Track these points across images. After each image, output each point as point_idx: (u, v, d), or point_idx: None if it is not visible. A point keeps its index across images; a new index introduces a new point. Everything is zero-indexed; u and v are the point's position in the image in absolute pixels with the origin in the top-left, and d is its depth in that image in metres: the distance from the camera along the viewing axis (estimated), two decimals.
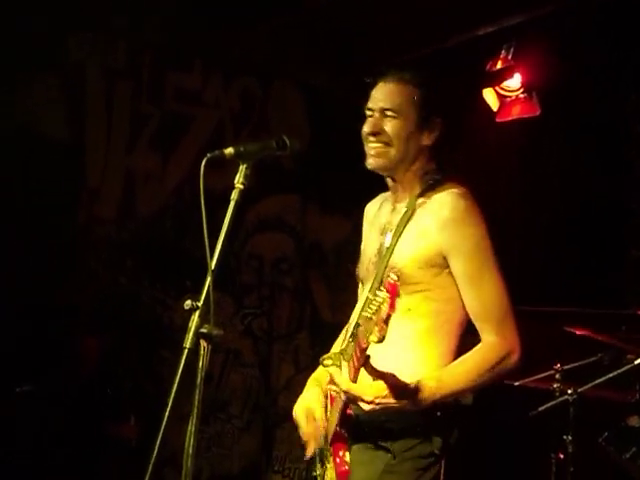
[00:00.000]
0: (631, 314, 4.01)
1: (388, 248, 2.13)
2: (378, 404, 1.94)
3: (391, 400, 1.93)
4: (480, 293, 2.06)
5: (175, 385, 1.70)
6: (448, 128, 2.18)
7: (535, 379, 3.57)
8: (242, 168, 1.86)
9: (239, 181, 1.85)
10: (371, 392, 1.93)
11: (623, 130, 4.51)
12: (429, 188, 2.15)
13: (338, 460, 2.12)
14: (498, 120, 4.49)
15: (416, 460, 2.05)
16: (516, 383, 3.62)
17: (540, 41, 4.35)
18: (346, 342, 2.17)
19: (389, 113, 2.13)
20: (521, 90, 4.39)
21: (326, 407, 2.22)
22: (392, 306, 1.72)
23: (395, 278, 1.77)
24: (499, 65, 4.45)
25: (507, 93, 4.45)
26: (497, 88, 4.46)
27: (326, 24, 4.65)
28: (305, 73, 5.19)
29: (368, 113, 2.18)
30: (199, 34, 4.67)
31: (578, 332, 3.37)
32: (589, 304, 4.08)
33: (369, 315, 1.76)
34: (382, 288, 1.76)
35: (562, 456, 3.39)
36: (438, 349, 2.09)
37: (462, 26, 4.56)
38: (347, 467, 2.11)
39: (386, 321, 1.73)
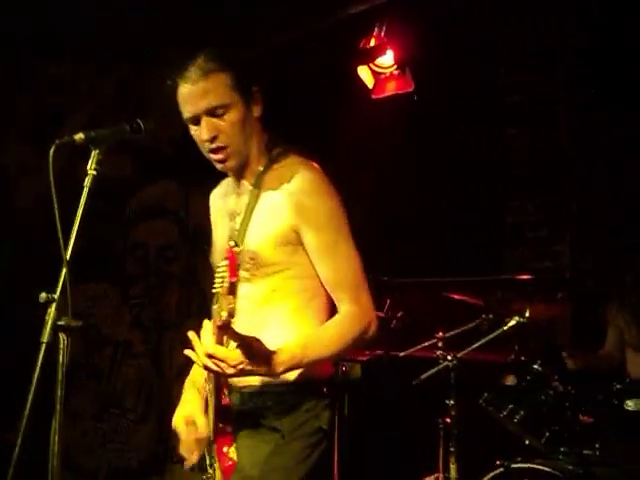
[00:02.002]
0: (507, 279, 4.18)
1: (239, 232, 2.08)
2: (242, 370, 1.87)
3: (254, 365, 1.86)
4: (334, 264, 2.04)
5: (34, 382, 1.64)
6: (265, 92, 2.10)
7: (419, 348, 3.67)
8: (94, 154, 1.82)
9: (91, 167, 1.81)
10: (234, 356, 1.85)
11: (495, 100, 4.67)
12: (272, 161, 2.11)
13: (222, 457, 2.07)
14: (374, 97, 4.54)
15: (305, 438, 2.04)
16: (401, 354, 3.71)
17: (411, 17, 4.42)
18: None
19: (219, 111, 2.02)
20: (394, 67, 4.46)
21: (206, 409, 2.14)
22: (232, 273, 1.67)
23: (232, 243, 1.72)
24: (372, 43, 4.50)
25: (381, 70, 4.51)
26: (371, 65, 4.51)
27: (201, 6, 4.58)
28: (182, 57, 5.10)
29: (192, 121, 2.05)
30: (69, 22, 4.50)
31: (456, 297, 3.47)
32: (470, 272, 4.23)
33: (217, 290, 1.73)
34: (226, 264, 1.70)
35: (448, 420, 3.50)
36: (310, 325, 2.07)
37: (335, 5, 4.59)
38: (231, 462, 2.05)
39: (231, 291, 1.68)
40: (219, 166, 2.11)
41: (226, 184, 2.28)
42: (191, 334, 1.93)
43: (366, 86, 4.56)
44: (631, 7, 4.10)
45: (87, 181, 1.80)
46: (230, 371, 1.86)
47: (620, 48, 4.22)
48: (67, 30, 4.56)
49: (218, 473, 2.09)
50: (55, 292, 1.69)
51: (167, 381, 4.99)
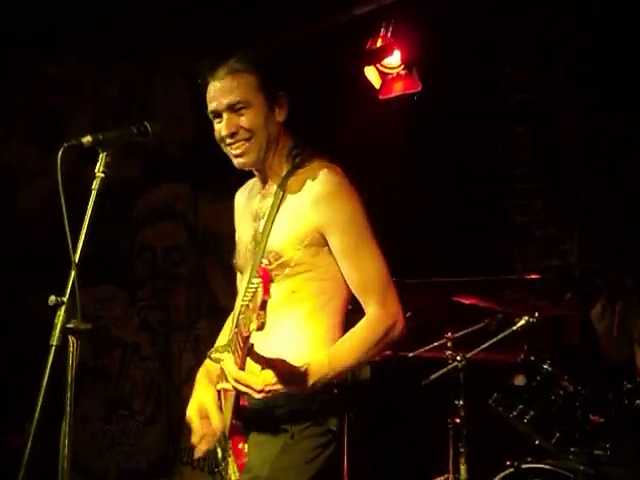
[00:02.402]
0: (516, 279, 4.17)
1: (263, 233, 2.11)
2: (269, 392, 1.91)
3: (281, 387, 1.91)
4: (359, 267, 2.07)
5: (44, 386, 1.64)
6: (294, 100, 2.16)
7: (429, 349, 3.66)
8: (102, 156, 1.82)
9: (99, 170, 1.81)
10: (260, 381, 1.89)
11: (501, 100, 4.66)
12: (297, 166, 2.14)
13: (237, 453, 2.10)
14: (381, 97, 4.54)
15: (314, 438, 2.05)
16: (410, 354, 3.71)
17: (418, 17, 4.42)
18: (232, 333, 2.15)
19: (239, 106, 2.09)
20: (401, 67, 4.46)
21: (220, 404, 2.17)
22: (266, 291, 1.70)
23: (266, 262, 1.77)
24: (379, 43, 4.50)
25: (388, 70, 4.51)
26: (378, 66, 4.51)
27: (206, 9, 4.58)
28: (188, 60, 5.10)
29: (214, 116, 2.13)
30: (73, 22, 4.51)
31: (466, 301, 3.46)
32: (478, 272, 4.22)
33: (247, 303, 1.74)
34: (257, 274, 1.73)
35: (458, 420, 3.49)
36: (325, 327, 2.09)
37: (341, 6, 4.59)
38: (247, 459, 2.08)
39: (262, 307, 1.71)
40: (235, 162, 2.14)
41: (251, 185, 2.32)
42: (224, 360, 1.98)
43: (370, 87, 4.56)
44: (632, 6, 4.09)
45: (95, 184, 1.80)
46: (258, 396, 1.91)
47: (621, 48, 4.20)
48: (70, 30, 4.56)
49: (232, 467, 2.12)
50: (64, 295, 1.69)
51: (176, 383, 4.99)
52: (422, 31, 4.37)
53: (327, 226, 2.05)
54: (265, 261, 1.78)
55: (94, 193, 1.79)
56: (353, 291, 2.10)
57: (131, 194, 4.94)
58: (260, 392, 1.90)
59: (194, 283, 5.14)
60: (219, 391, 2.16)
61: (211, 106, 2.12)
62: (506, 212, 4.61)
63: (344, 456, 3.63)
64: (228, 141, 2.11)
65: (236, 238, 2.31)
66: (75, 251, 1.73)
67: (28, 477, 1.68)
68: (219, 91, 2.10)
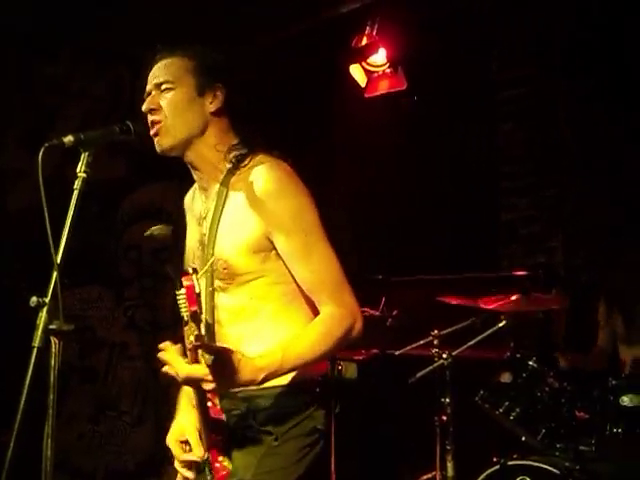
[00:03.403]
0: (503, 276, 4.18)
1: (209, 237, 2.02)
2: (220, 383, 1.79)
3: (234, 377, 1.80)
4: (309, 266, 1.96)
5: (26, 388, 1.63)
6: (235, 97, 2.06)
7: (415, 347, 3.67)
8: (84, 156, 1.81)
9: (81, 170, 1.79)
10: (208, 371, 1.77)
11: (490, 96, 4.67)
12: (237, 165, 2.03)
13: (217, 465, 2.03)
14: (367, 96, 4.54)
15: (299, 439, 2.01)
16: (397, 352, 3.71)
17: (403, 16, 4.42)
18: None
19: (165, 86, 2.01)
20: (387, 65, 4.46)
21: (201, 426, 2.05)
22: (192, 303, 1.64)
23: (190, 271, 1.67)
24: (364, 41, 4.50)
25: (373, 68, 4.51)
26: (364, 64, 4.51)
27: (192, 9, 4.56)
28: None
29: (145, 96, 2.06)
30: (61, 23, 4.49)
31: (451, 301, 3.47)
32: (464, 270, 4.23)
33: (182, 315, 1.68)
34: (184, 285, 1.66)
35: (445, 418, 3.49)
36: (293, 327, 2.02)
37: (327, 3, 4.58)
38: (225, 471, 2.02)
39: (193, 319, 1.65)
40: (156, 145, 2.05)
41: (195, 188, 2.20)
42: (163, 355, 1.89)
43: (359, 85, 4.56)
44: (628, 2, 4.10)
45: (77, 183, 1.78)
46: (210, 387, 1.80)
47: (617, 44, 4.21)
48: (59, 30, 4.55)
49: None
50: (46, 296, 1.68)
51: (163, 383, 4.97)
52: (409, 29, 4.37)
53: (271, 228, 1.95)
54: (190, 270, 1.68)
55: (76, 193, 1.78)
56: (305, 291, 2.00)
57: (117, 193, 4.93)
58: (211, 382, 1.78)
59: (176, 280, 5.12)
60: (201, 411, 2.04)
61: (146, 89, 2.07)
62: (492, 210, 4.63)
63: (331, 454, 3.63)
64: (149, 119, 2.03)
65: (186, 242, 2.20)
66: (57, 252, 1.72)
67: (11, 479, 1.67)
68: (154, 70, 2.05)
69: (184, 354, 1.84)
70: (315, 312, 2.02)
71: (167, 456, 5.07)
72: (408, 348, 3.66)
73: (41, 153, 1.74)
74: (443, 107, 4.86)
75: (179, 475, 2.10)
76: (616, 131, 4.21)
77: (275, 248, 1.98)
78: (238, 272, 1.98)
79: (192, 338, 1.67)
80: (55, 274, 1.69)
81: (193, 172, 2.12)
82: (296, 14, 4.52)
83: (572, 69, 4.39)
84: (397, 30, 4.40)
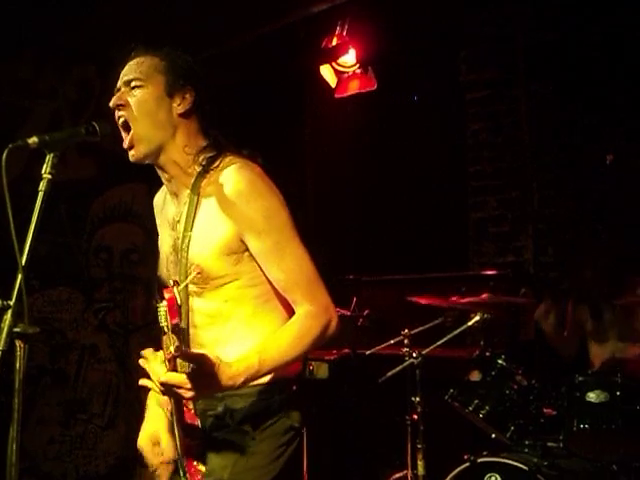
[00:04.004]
0: (472, 274, 4.22)
1: (182, 242, 2.00)
2: (200, 392, 1.81)
3: (211, 383, 1.80)
4: (283, 266, 1.96)
5: None
6: (205, 99, 2.05)
7: (385, 346, 3.69)
8: (49, 157, 1.77)
9: (46, 171, 1.76)
10: (184, 378, 1.77)
11: (457, 96, 4.71)
12: (207, 168, 2.01)
13: (192, 470, 2.02)
14: (337, 96, 4.56)
15: (276, 437, 2.01)
16: (368, 352, 3.73)
17: (373, 16, 4.44)
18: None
19: (134, 83, 1.99)
20: (357, 65, 4.48)
21: (172, 426, 2.05)
22: (173, 315, 1.65)
23: (171, 284, 1.68)
24: (334, 42, 4.52)
25: (344, 69, 4.53)
26: (334, 64, 4.53)
27: (166, 7, 4.54)
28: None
29: (115, 91, 2.05)
30: (30, 22, 4.44)
31: (421, 301, 3.49)
32: (435, 268, 4.26)
33: (163, 325, 1.68)
34: (164, 298, 1.66)
35: (415, 417, 3.52)
36: (269, 328, 2.02)
37: (297, 4, 4.59)
38: (201, 475, 2.01)
39: (174, 331, 1.65)
40: (130, 156, 2.04)
41: (165, 190, 2.17)
42: (142, 361, 1.88)
43: (329, 86, 4.58)
44: (590, 4, 4.16)
45: (42, 185, 1.76)
46: (188, 395, 1.80)
47: (580, 43, 4.27)
48: (26, 30, 4.49)
49: None
50: (11, 298, 1.66)
51: (134, 385, 4.94)
52: (378, 29, 4.40)
53: (243, 229, 1.94)
54: (171, 282, 1.69)
55: (41, 195, 1.75)
56: (280, 291, 2.00)
57: (87, 195, 4.88)
58: (191, 390, 1.78)
59: (151, 284, 5.10)
60: (171, 413, 2.05)
61: (117, 85, 2.05)
62: (461, 209, 4.66)
63: (304, 453, 3.64)
64: (116, 114, 2.01)
65: (158, 246, 2.19)
66: (22, 254, 1.70)
67: None
68: (126, 68, 2.04)
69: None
70: (290, 312, 2.03)
71: (139, 459, 5.04)
72: (379, 347, 3.69)
73: (5, 154, 1.71)
74: (412, 108, 4.89)
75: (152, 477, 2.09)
76: (577, 131, 4.27)
77: (248, 249, 1.97)
78: (212, 276, 1.98)
79: (172, 349, 1.67)
80: (20, 276, 1.67)
81: (162, 176, 2.10)
82: (266, 15, 4.51)
83: (534, 72, 4.45)
84: (367, 31, 4.43)
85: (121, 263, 5.01)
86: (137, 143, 2.01)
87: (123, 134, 2.03)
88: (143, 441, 2.09)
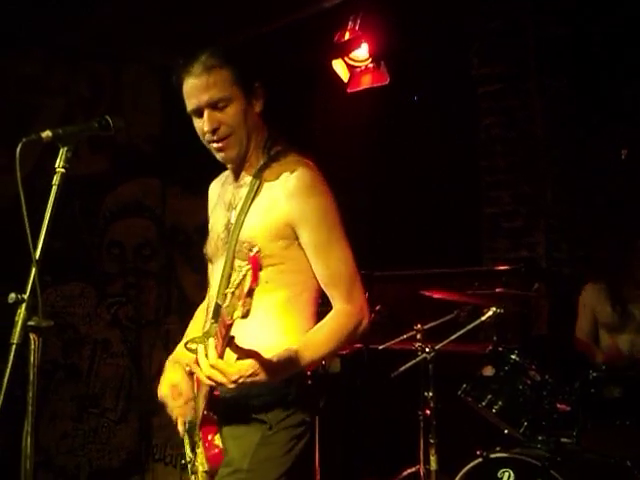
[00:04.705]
0: (485, 270, 4.20)
1: (236, 223, 2.12)
2: (242, 383, 1.90)
3: (255, 378, 1.91)
4: (328, 262, 2.09)
5: (5, 385, 1.62)
6: (268, 88, 2.17)
7: (398, 341, 3.68)
8: (63, 151, 1.78)
9: (60, 165, 1.77)
10: (235, 370, 1.89)
11: (470, 90, 4.68)
12: (272, 159, 2.16)
13: (207, 444, 2.08)
14: (349, 91, 4.55)
15: (290, 429, 2.06)
16: (380, 347, 3.73)
17: (384, 10, 4.42)
18: (208, 323, 2.14)
19: (221, 104, 2.09)
20: (369, 60, 4.46)
21: (193, 384, 2.19)
22: (255, 279, 1.69)
23: (257, 250, 1.74)
24: (347, 36, 4.50)
25: (356, 63, 4.51)
26: (346, 59, 4.51)
27: (175, 4, 4.54)
28: (157, 56, 5.06)
29: (195, 114, 2.13)
30: (42, 19, 4.44)
31: (434, 295, 3.48)
32: (448, 264, 4.25)
33: (232, 290, 1.73)
34: (243, 261, 1.72)
35: (428, 412, 3.51)
36: (299, 317, 2.11)
37: None
38: (218, 450, 2.07)
39: (249, 294, 1.70)
40: (219, 155, 2.16)
41: (226, 175, 2.33)
42: (199, 348, 1.96)
43: (341, 80, 4.56)
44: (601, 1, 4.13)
45: (56, 179, 1.77)
46: (231, 385, 1.90)
47: (593, 38, 4.24)
48: (38, 27, 4.50)
49: (201, 458, 2.11)
50: (25, 292, 1.66)
51: (146, 379, 4.97)
52: (390, 24, 4.38)
53: (298, 221, 2.07)
54: (256, 249, 1.75)
55: (54, 189, 1.76)
56: (321, 285, 2.13)
57: (99, 189, 4.90)
58: (234, 382, 1.89)
59: (163, 279, 5.12)
60: (191, 373, 2.17)
61: (190, 104, 2.12)
62: (474, 204, 4.64)
63: (316, 448, 3.64)
64: (209, 137, 2.13)
65: (209, 227, 2.31)
66: (35, 248, 1.70)
67: None
68: (197, 88, 2.10)
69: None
70: (316, 311, 2.15)
71: (151, 453, 5.07)
72: (391, 342, 3.68)
73: (19, 149, 1.72)
74: (425, 102, 4.87)
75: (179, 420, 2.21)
76: (590, 125, 4.24)
77: (297, 239, 2.09)
78: (261, 254, 2.04)
79: (237, 313, 1.69)
80: (34, 270, 1.68)
81: (230, 164, 2.23)
82: (278, 9, 4.51)
83: (546, 66, 4.42)
84: (379, 25, 4.41)
85: (134, 258, 5.03)
86: (231, 148, 2.15)
87: (215, 145, 2.14)
88: (165, 390, 2.21)
